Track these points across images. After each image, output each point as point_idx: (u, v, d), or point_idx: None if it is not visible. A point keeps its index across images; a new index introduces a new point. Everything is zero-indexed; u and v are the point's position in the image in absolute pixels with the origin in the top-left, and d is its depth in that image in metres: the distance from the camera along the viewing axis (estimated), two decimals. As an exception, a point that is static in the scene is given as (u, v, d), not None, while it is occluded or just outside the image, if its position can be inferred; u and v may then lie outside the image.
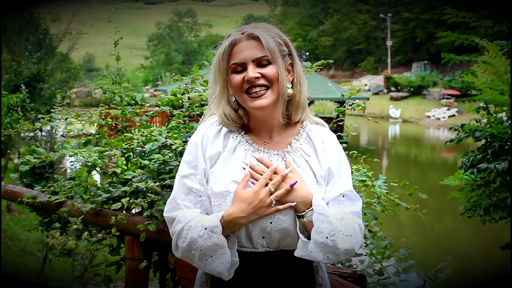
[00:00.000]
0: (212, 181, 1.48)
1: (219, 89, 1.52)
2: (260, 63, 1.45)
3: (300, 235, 1.41)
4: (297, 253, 1.41)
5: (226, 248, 1.40)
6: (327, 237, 1.38)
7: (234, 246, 1.43)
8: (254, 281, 1.47)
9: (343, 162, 1.56)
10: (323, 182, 1.50)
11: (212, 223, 1.40)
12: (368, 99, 27.88)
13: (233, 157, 1.51)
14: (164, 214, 1.55)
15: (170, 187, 2.37)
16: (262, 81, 1.45)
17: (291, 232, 1.43)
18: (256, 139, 1.54)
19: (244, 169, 1.48)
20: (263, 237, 1.45)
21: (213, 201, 1.48)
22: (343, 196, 1.49)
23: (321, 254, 1.39)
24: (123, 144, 2.58)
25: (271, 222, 1.43)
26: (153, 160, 2.38)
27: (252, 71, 1.44)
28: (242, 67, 1.46)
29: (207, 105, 2.68)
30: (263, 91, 1.45)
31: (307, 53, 34.15)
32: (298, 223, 1.43)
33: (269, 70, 1.45)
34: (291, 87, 1.51)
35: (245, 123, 1.56)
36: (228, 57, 1.47)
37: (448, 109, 36.19)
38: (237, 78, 1.46)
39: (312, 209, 1.40)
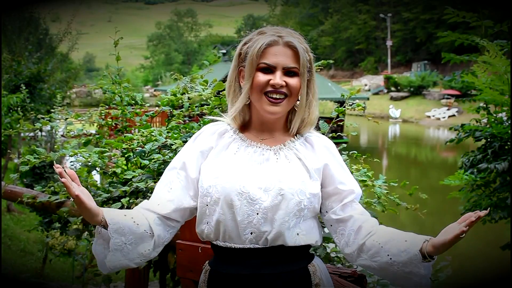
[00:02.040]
0: (202, 175, 1.53)
1: (248, 84, 1.51)
2: (287, 72, 1.48)
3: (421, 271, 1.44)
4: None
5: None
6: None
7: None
8: (246, 279, 1.48)
9: (344, 165, 1.62)
10: (318, 177, 1.53)
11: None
12: (368, 99, 27.89)
13: (226, 152, 1.55)
14: None
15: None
16: (284, 90, 1.48)
17: (276, 224, 1.45)
18: (252, 136, 1.57)
19: None
20: (251, 233, 1.46)
21: (200, 194, 1.52)
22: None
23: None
24: (123, 144, 2.58)
25: (257, 213, 1.45)
26: (153, 160, 2.38)
27: (280, 78, 1.47)
28: (270, 69, 1.48)
29: (207, 105, 2.70)
30: (281, 99, 1.48)
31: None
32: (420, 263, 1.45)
33: (294, 82, 1.49)
34: (299, 100, 1.55)
35: (245, 121, 1.59)
36: (260, 55, 1.48)
37: (448, 109, 36.17)
38: (262, 78, 1.48)
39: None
